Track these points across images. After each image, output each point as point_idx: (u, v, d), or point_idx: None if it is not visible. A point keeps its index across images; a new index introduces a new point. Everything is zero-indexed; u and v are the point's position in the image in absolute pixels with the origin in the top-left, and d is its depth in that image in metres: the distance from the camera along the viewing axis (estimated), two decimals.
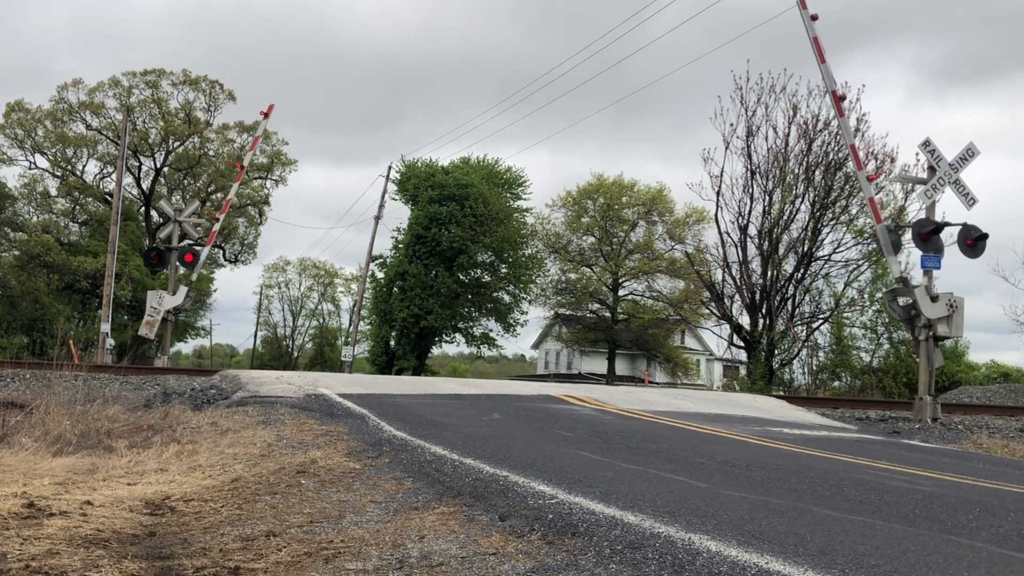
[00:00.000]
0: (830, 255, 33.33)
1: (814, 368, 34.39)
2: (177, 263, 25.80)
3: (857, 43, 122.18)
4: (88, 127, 50.81)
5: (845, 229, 33.21)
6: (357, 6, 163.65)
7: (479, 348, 52.39)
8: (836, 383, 34.39)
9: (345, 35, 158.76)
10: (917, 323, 17.70)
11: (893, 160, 32.05)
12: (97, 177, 52.64)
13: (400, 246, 48.22)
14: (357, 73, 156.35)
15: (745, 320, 34.08)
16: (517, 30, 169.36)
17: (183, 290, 25.34)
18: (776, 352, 33.63)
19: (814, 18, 19.73)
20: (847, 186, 32.53)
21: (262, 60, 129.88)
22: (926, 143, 17.80)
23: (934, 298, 17.49)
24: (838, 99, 21.57)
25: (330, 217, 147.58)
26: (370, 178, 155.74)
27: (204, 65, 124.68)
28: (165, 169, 52.88)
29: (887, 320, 31.95)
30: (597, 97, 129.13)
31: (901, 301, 18.17)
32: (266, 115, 27.04)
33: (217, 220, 29.19)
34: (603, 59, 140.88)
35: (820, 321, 34.30)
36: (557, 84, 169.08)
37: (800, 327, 34.00)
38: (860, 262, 33.29)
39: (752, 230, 33.24)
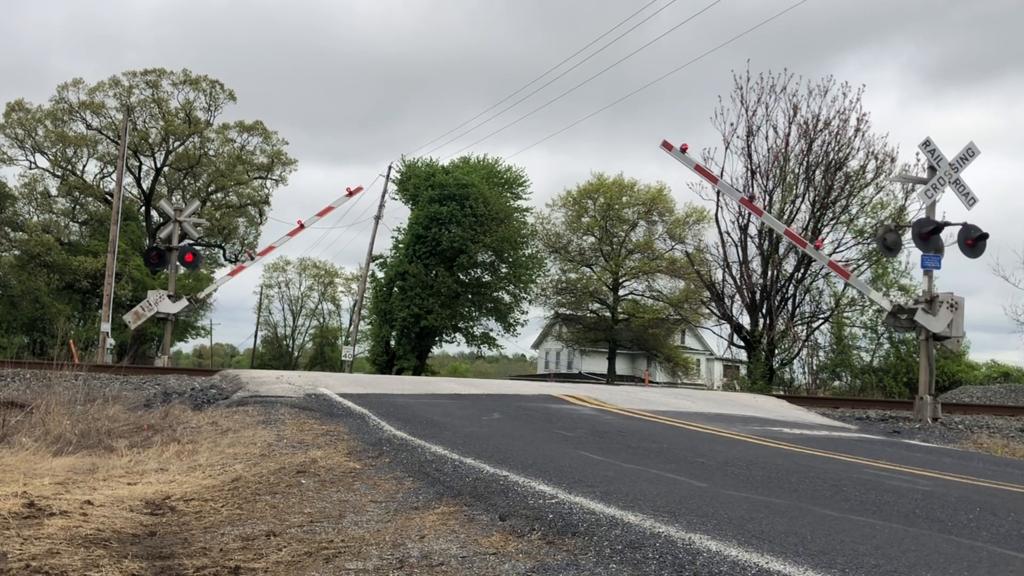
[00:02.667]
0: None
1: (814, 368, 34.39)
2: (177, 263, 25.82)
3: (853, 44, 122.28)
4: (88, 127, 50.86)
5: (845, 229, 33.24)
6: (354, 6, 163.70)
7: (479, 348, 52.38)
8: (836, 383, 34.37)
9: (342, 35, 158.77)
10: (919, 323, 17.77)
11: (893, 160, 32.11)
12: (97, 177, 52.70)
13: (400, 246, 48.22)
14: (354, 73, 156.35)
15: (745, 320, 34.09)
16: (514, 31, 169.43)
17: (183, 302, 25.34)
18: (776, 352, 33.62)
19: (683, 149, 20.00)
20: (847, 186, 32.55)
21: (259, 60, 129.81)
22: (926, 143, 17.80)
23: (932, 302, 17.47)
24: (749, 202, 21.88)
25: (328, 217, 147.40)
26: (368, 178, 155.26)
27: (201, 65, 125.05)
28: (165, 169, 52.91)
29: (887, 321, 31.94)
30: (594, 98, 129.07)
31: (902, 316, 18.22)
32: (351, 194, 27.17)
33: (252, 259, 29.14)
34: (600, 60, 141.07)
35: (820, 321, 34.31)
36: (554, 85, 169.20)
37: (800, 327, 34.00)
38: (860, 262, 33.30)
39: (752, 230, 33.26)
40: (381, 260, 49.95)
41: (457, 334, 50.36)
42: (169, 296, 24.98)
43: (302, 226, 27.60)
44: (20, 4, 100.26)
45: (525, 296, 51.40)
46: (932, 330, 17.49)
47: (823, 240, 32.98)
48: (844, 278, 19.53)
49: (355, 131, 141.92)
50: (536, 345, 72.87)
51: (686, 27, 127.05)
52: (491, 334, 50.85)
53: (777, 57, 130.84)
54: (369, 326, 50.99)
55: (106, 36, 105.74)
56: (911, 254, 30.51)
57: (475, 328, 50.47)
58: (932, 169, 17.79)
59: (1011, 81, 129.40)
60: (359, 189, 27.29)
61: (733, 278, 34.13)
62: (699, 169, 20.74)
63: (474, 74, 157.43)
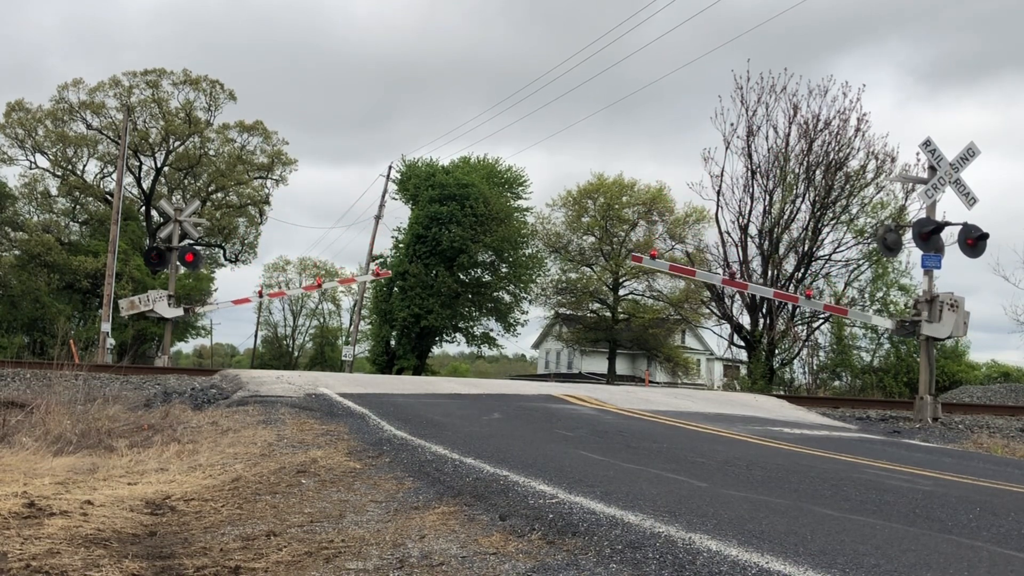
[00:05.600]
0: (830, 255, 33.35)
1: (814, 368, 34.37)
2: (177, 263, 25.82)
3: (849, 46, 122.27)
4: (88, 127, 50.86)
5: (845, 229, 33.21)
6: (352, 6, 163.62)
7: (479, 348, 52.39)
8: (836, 383, 34.36)
9: (340, 35, 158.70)
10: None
11: (893, 160, 32.08)
12: (97, 177, 52.70)
13: (400, 246, 48.23)
14: (353, 73, 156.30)
15: (745, 320, 34.09)
16: (511, 32, 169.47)
17: (179, 311, 25.33)
18: (776, 352, 33.61)
19: (653, 256, 20.80)
20: (847, 186, 32.53)
21: (256, 60, 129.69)
22: (927, 143, 17.80)
23: (932, 302, 17.48)
24: (731, 280, 22.40)
25: (326, 217, 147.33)
26: (366, 178, 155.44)
27: (199, 64, 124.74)
28: (165, 169, 52.91)
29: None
30: (593, 98, 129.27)
31: (906, 324, 18.28)
32: (377, 275, 27.86)
33: (261, 296, 29.38)
34: (598, 61, 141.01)
35: (820, 321, 34.30)
36: (553, 86, 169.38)
37: (800, 327, 33.99)
38: (860, 262, 33.30)
39: (752, 230, 33.24)
40: (381, 260, 49.97)
41: (457, 334, 50.38)
42: (169, 297, 24.96)
43: (320, 285, 28.74)
44: (18, 4, 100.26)
45: (525, 296, 51.43)
46: (939, 336, 17.59)
47: (823, 240, 33.07)
48: (843, 315, 19.89)
49: (353, 131, 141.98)
50: (536, 345, 72.86)
51: (683, 28, 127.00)
52: (491, 334, 50.89)
53: (773, 59, 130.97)
54: (369, 326, 51.00)
55: (103, 36, 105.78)
56: (911, 254, 30.54)
57: (475, 328, 50.49)
58: (932, 169, 17.78)
59: (1008, 81, 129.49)
60: (387, 272, 28.23)
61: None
62: (674, 268, 22.15)
63: (472, 74, 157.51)
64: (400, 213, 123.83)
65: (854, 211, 33.00)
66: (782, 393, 26.66)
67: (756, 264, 33.47)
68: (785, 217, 32.80)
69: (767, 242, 32.92)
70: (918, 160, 27.93)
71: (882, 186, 32.56)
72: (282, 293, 28.55)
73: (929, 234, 17.68)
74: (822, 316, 34.27)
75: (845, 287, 33.78)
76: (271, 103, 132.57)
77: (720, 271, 35.29)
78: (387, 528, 5.21)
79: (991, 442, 13.07)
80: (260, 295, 29.99)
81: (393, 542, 4.85)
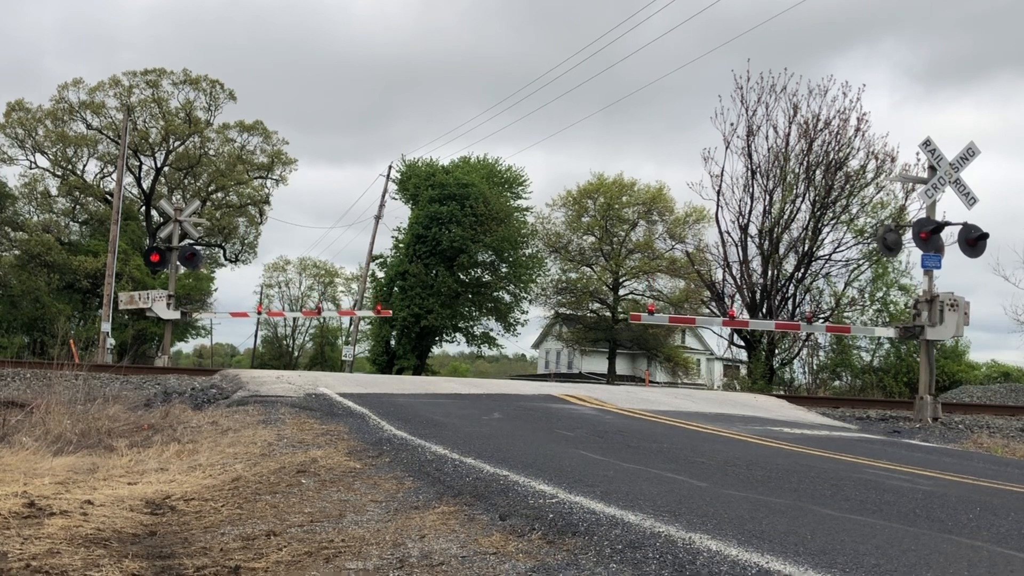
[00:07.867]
0: (830, 254, 33.34)
1: (814, 367, 34.37)
2: (177, 263, 25.82)
3: (844, 47, 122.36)
4: (88, 127, 50.85)
5: (845, 228, 33.20)
6: (350, 6, 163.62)
7: (479, 348, 52.38)
8: (836, 382, 34.36)
9: (338, 34, 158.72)
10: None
11: (893, 160, 32.08)
12: (97, 176, 52.70)
13: (400, 245, 48.22)
14: (351, 73, 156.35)
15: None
16: (508, 32, 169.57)
17: (176, 313, 25.36)
18: (776, 351, 33.61)
19: (651, 311, 22.37)
20: (847, 186, 32.53)
21: (254, 60, 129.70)
22: (927, 143, 17.79)
23: (932, 302, 17.49)
24: (732, 320, 23.10)
25: (324, 216, 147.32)
26: (366, 178, 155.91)
27: (197, 64, 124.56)
28: (166, 168, 52.90)
29: (887, 320, 31.98)
30: (590, 99, 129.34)
31: (910, 327, 18.33)
32: (379, 312, 28.53)
33: (260, 313, 29.68)
34: (596, 61, 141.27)
35: (820, 320, 34.28)
36: (552, 86, 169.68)
37: None
38: (860, 261, 33.29)
39: (752, 229, 33.23)
40: (381, 260, 49.98)
41: (457, 334, 50.36)
42: (169, 296, 24.96)
43: (320, 312, 29.32)
44: (16, 3, 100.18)
45: (525, 296, 51.42)
46: (943, 338, 17.65)
47: (823, 240, 33.08)
48: (846, 333, 20.12)
49: (352, 131, 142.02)
50: (536, 345, 72.86)
51: (682, 29, 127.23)
52: (491, 334, 50.88)
53: (771, 59, 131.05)
54: (369, 326, 50.96)
55: (100, 36, 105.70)
56: (911, 254, 30.55)
57: (475, 328, 50.48)
58: (932, 169, 17.78)
59: (1005, 80, 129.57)
60: (389, 312, 28.87)
61: (733, 278, 34.14)
62: (673, 319, 24.19)
63: (470, 75, 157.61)
64: (400, 213, 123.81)
65: (854, 211, 33.03)
66: (782, 393, 26.65)
67: (756, 264, 33.50)
68: (785, 217, 32.79)
69: (767, 242, 32.92)
70: (918, 160, 27.97)
71: (882, 186, 32.58)
72: (280, 314, 28.96)
73: (929, 234, 17.67)
74: (822, 316, 34.28)
75: (845, 287, 33.79)
76: (270, 103, 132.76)
77: (720, 271, 35.32)
78: (387, 528, 5.21)
79: (991, 442, 13.07)
80: (259, 312, 30.31)
81: (393, 542, 4.85)
